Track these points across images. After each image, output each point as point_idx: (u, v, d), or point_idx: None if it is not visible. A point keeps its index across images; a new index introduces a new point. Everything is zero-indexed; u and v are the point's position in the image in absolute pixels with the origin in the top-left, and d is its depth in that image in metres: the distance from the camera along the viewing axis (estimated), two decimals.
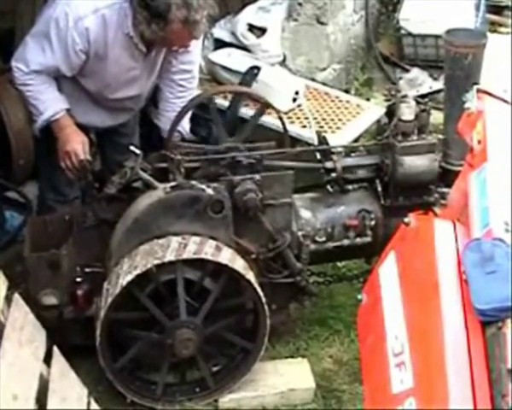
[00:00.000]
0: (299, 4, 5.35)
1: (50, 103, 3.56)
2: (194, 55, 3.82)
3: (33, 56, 3.48)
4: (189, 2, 3.35)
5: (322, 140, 3.84)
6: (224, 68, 4.86)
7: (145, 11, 3.37)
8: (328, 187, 3.70)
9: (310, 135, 4.50)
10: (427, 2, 5.74)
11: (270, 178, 3.43)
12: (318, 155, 3.72)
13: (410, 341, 2.33)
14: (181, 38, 3.48)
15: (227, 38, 5.27)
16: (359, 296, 2.81)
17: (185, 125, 3.83)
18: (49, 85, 3.55)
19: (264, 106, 3.76)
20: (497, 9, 6.35)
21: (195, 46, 3.74)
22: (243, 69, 4.64)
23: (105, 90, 3.66)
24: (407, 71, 5.94)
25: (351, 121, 4.79)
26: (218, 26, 5.33)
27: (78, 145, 3.59)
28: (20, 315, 3.03)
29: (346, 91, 5.56)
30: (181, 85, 3.84)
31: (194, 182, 3.37)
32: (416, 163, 3.59)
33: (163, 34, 3.41)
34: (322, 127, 4.62)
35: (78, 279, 3.41)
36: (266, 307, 3.33)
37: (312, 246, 3.58)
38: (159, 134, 3.97)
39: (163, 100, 3.89)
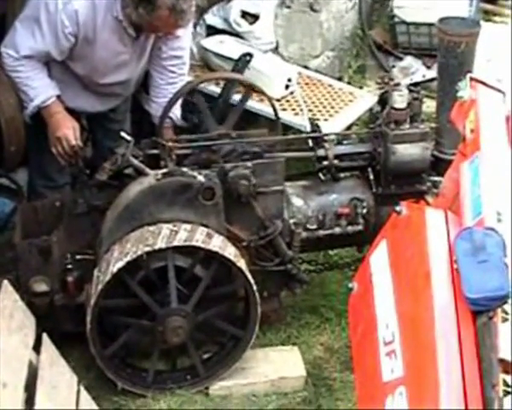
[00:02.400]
0: None
1: (41, 90, 3.54)
2: (185, 41, 3.80)
3: (23, 41, 3.46)
4: None
5: (315, 127, 3.82)
6: (217, 55, 4.83)
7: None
8: (320, 175, 3.69)
9: (302, 122, 4.48)
10: None
11: (261, 166, 3.42)
12: (310, 143, 3.72)
13: (401, 330, 2.33)
14: (167, 25, 3.47)
15: (220, 24, 5.24)
16: (350, 285, 2.81)
17: (176, 111, 3.81)
18: (40, 71, 3.53)
19: (250, 90, 3.75)
20: None
21: (185, 32, 3.72)
22: (236, 56, 4.62)
23: (94, 74, 3.64)
24: (400, 59, 5.92)
25: (343, 109, 4.77)
26: (211, 13, 5.30)
27: (69, 131, 3.57)
28: (10, 302, 3.01)
29: (339, 79, 5.54)
30: (172, 72, 3.82)
31: (185, 169, 3.36)
32: (409, 151, 3.59)
33: (149, 19, 3.40)
34: (314, 115, 4.60)
35: (69, 266, 3.41)
36: (257, 294, 3.33)
37: (304, 234, 3.58)
38: (150, 121, 3.95)
39: (154, 86, 3.88)
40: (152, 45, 3.72)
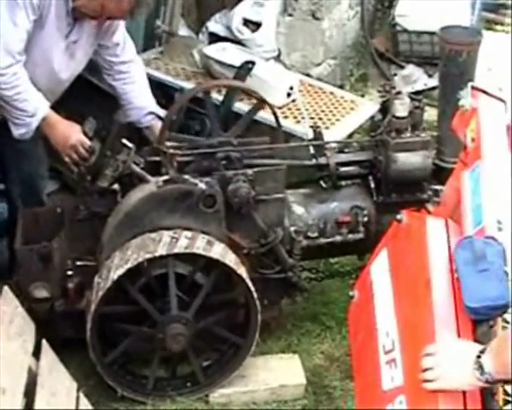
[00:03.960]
0: None
1: (38, 102, 3.39)
2: (126, 45, 3.75)
3: (12, 40, 3.27)
4: None
5: (318, 135, 3.82)
6: (219, 63, 4.84)
7: None
8: (321, 183, 3.69)
9: (303, 130, 4.48)
10: None
11: (262, 174, 3.42)
12: (312, 150, 3.72)
13: (401, 338, 2.33)
14: (123, 10, 3.41)
15: (222, 32, 5.26)
16: (351, 293, 2.81)
17: (154, 106, 3.80)
18: (29, 79, 3.37)
19: (261, 103, 3.74)
20: (493, 7, 6.35)
21: (120, 31, 3.69)
22: (238, 64, 4.63)
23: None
24: (402, 67, 5.94)
25: (345, 117, 4.77)
26: (213, 20, 5.32)
27: (80, 134, 3.48)
28: (10, 308, 3.01)
29: (341, 87, 5.56)
30: (128, 72, 3.77)
31: (186, 176, 3.36)
32: (410, 160, 3.58)
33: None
34: (316, 123, 4.60)
35: (70, 272, 3.40)
36: (258, 302, 3.32)
37: (304, 242, 3.57)
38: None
39: (122, 94, 3.79)
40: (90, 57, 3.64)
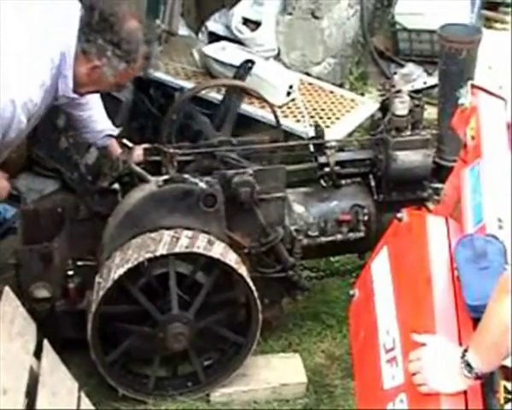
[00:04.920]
0: None
1: None
2: None
3: None
4: (149, 39, 3.30)
5: (319, 133, 3.81)
6: (218, 62, 4.84)
7: (115, 58, 3.21)
8: (322, 182, 3.69)
9: (303, 129, 4.49)
10: None
11: (263, 173, 3.42)
12: (311, 148, 3.72)
13: (402, 337, 2.33)
14: (135, 74, 3.40)
15: (221, 31, 5.25)
16: (351, 292, 2.81)
17: (110, 127, 3.76)
18: None
19: (237, 90, 3.73)
20: (492, 5, 6.35)
21: None
22: (237, 63, 4.63)
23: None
24: (402, 66, 5.93)
25: (345, 116, 4.77)
26: (213, 20, 5.31)
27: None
28: (11, 308, 3.01)
29: (341, 86, 5.55)
30: (87, 100, 3.64)
31: (186, 175, 3.36)
32: (410, 158, 3.58)
33: (127, 73, 3.29)
34: (316, 122, 4.60)
35: (70, 272, 3.40)
36: (258, 301, 3.32)
37: (305, 241, 3.57)
38: (153, 126, 3.94)
39: (81, 120, 3.71)
40: None
